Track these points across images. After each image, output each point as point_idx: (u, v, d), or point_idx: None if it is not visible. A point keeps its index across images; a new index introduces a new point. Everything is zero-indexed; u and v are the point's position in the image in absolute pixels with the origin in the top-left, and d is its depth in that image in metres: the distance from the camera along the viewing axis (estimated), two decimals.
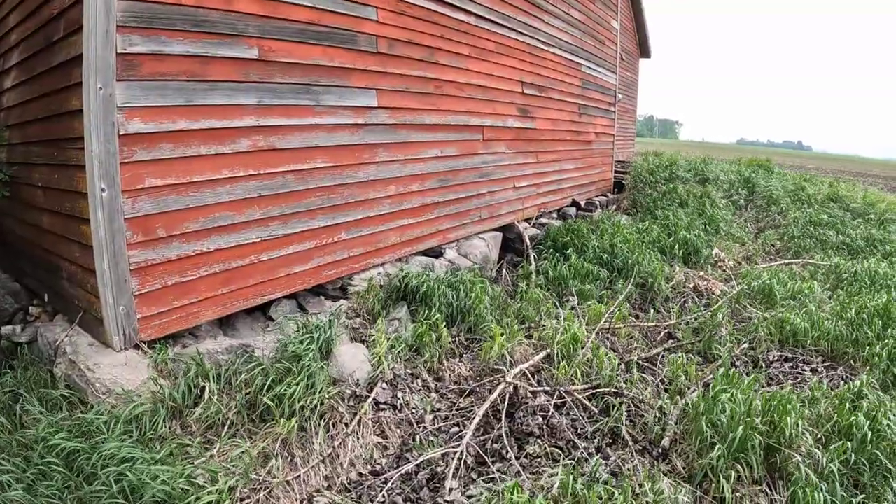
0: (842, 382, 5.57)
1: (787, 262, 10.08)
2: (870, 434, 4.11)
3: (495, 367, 5.44)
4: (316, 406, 4.28)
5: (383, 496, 3.96)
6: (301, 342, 4.70)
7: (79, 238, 4.16)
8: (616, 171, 14.98)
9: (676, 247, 9.58)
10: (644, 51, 29.31)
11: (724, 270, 9.17)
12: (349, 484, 4.09)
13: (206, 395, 4.13)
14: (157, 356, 4.23)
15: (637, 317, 7.27)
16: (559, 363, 5.38)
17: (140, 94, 4.03)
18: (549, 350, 5.63)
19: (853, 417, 4.28)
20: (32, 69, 4.69)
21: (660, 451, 4.37)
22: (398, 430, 4.63)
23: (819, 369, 5.98)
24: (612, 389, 5.04)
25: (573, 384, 5.12)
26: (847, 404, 4.51)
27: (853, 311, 6.69)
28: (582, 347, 5.65)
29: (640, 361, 5.84)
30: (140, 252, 4.12)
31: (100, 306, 4.01)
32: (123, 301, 4.05)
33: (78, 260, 4.28)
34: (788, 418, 4.13)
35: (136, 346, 4.22)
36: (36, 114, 4.74)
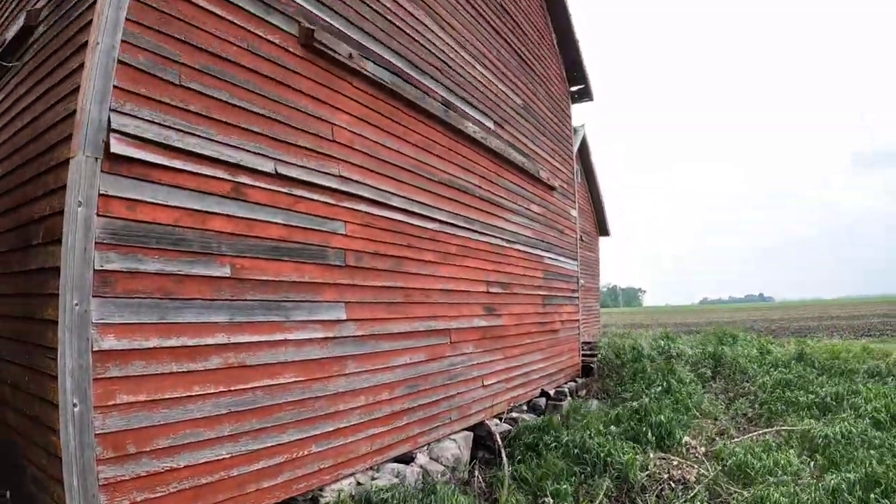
0: None
1: (760, 431, 10.04)
2: None
3: None
4: None
5: None
6: None
7: (47, 446, 4.12)
8: (583, 354, 15.11)
9: (649, 432, 9.53)
10: (602, 229, 30.34)
11: (697, 456, 9.11)
12: None
13: None
14: None
15: None
16: None
17: (115, 310, 4.11)
18: None
19: None
20: (7, 265, 4.84)
21: None
22: None
23: None
24: None
25: None
26: None
27: (832, 481, 6.76)
28: None
29: None
30: (109, 468, 4.05)
31: None
32: None
33: (45, 467, 4.19)
34: None
35: None
36: (8, 311, 4.83)
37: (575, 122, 16.34)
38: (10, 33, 5.82)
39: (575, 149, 17.70)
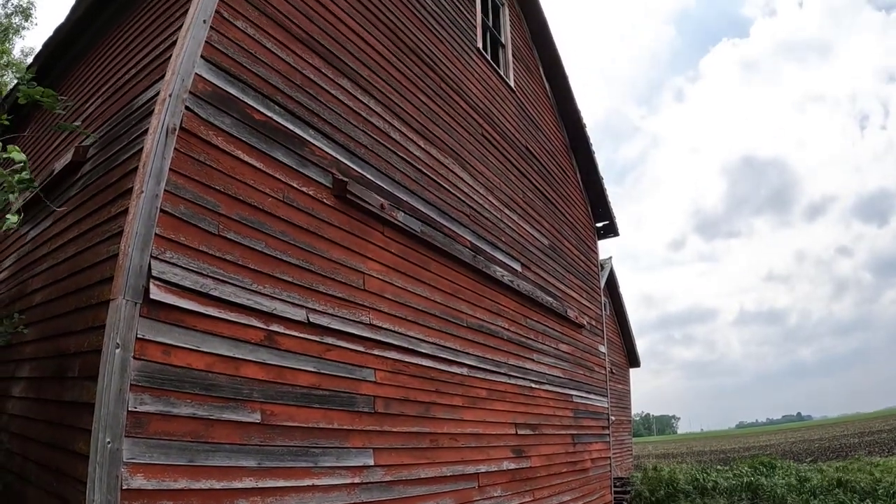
0: None
1: None
2: None
3: None
4: None
5: None
6: None
7: None
8: (616, 491, 14.73)
9: None
10: (633, 361, 30.02)
11: None
12: None
13: None
14: None
15: None
16: None
17: (145, 451, 4.12)
18: None
19: None
20: (41, 391, 4.93)
21: None
22: None
23: None
24: None
25: None
26: None
27: None
28: None
29: None
30: None
31: None
32: None
33: None
34: None
35: None
36: (38, 436, 4.88)
37: (602, 255, 16.51)
38: (59, 165, 6.19)
39: (602, 283, 17.81)
